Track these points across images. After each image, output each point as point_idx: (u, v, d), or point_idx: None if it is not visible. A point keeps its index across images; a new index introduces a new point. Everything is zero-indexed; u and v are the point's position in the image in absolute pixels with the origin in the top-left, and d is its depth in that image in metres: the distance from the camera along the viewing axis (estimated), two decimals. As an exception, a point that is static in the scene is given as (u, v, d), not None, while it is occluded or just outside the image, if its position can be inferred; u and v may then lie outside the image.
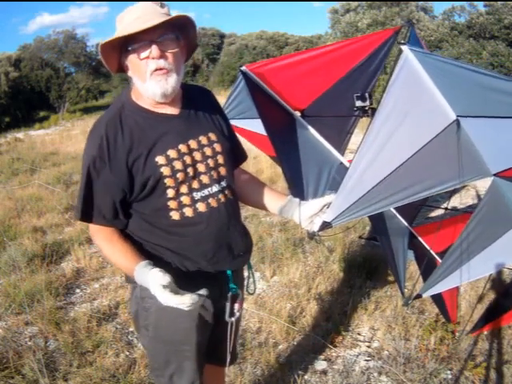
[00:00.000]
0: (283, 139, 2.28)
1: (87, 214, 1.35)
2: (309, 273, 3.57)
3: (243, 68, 2.28)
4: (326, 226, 1.61)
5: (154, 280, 1.23)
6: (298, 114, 2.47)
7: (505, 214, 2.04)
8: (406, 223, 2.76)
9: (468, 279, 2.18)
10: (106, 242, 1.39)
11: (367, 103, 2.41)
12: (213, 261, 1.43)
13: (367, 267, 3.54)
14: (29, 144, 12.44)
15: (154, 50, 1.25)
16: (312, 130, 2.43)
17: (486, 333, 2.70)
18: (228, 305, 1.49)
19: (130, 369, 2.55)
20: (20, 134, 15.34)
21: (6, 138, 14.35)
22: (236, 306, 1.51)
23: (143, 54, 1.26)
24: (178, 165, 1.34)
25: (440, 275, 2.10)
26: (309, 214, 1.57)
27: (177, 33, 1.31)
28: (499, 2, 16.43)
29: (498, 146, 1.93)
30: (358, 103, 2.42)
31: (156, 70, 1.27)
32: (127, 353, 2.74)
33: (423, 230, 2.92)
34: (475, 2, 18.58)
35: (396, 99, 1.80)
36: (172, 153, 1.34)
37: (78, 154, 9.45)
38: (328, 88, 2.47)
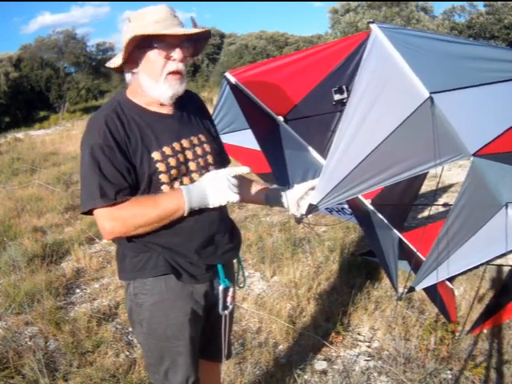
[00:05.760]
0: (269, 143, 2.30)
1: (106, 195, 1.30)
2: (309, 273, 3.57)
3: (227, 74, 2.31)
4: (312, 208, 1.65)
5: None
6: (281, 118, 2.49)
7: (486, 198, 2.04)
8: (395, 230, 2.80)
9: (458, 270, 2.19)
10: (128, 206, 1.31)
11: (345, 95, 2.42)
12: (204, 255, 1.47)
13: (367, 267, 3.54)
14: (29, 144, 12.45)
15: (179, 52, 1.35)
16: (295, 134, 2.45)
17: (485, 332, 2.70)
18: (221, 298, 1.54)
19: (130, 369, 2.55)
20: (20, 134, 15.35)
21: (6, 138, 14.35)
22: (228, 299, 1.56)
23: (168, 54, 1.34)
24: (172, 161, 1.39)
25: (429, 267, 2.10)
26: (295, 198, 1.64)
27: (191, 42, 1.40)
28: (499, 2, 16.45)
29: (474, 119, 1.92)
30: (337, 97, 2.44)
31: (173, 72, 1.36)
32: (127, 353, 2.74)
33: (412, 235, 2.96)
34: (475, 2, 18.61)
35: (368, 80, 1.81)
36: (167, 150, 1.39)
37: (77, 154, 9.42)
38: (310, 90, 2.51)
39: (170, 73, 1.36)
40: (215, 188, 1.33)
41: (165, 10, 1.35)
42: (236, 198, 1.33)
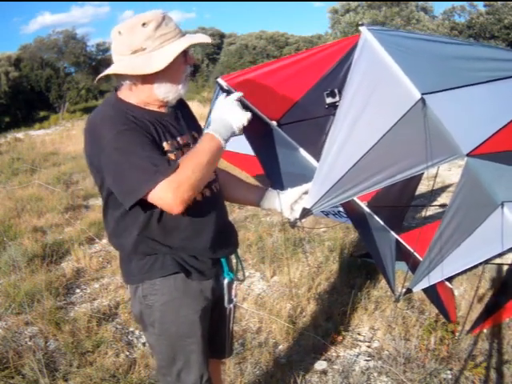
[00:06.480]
0: (263, 148, 2.31)
1: (160, 167, 1.26)
2: (309, 273, 3.57)
3: (219, 79, 2.32)
4: (306, 212, 1.66)
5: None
6: (274, 123, 2.49)
7: (482, 198, 2.03)
8: (391, 231, 2.79)
9: (455, 271, 2.18)
10: (181, 168, 1.28)
11: (337, 98, 2.42)
12: (212, 249, 1.49)
13: (367, 267, 3.54)
14: (29, 144, 12.44)
15: (192, 57, 1.43)
16: (289, 139, 2.45)
17: (485, 332, 2.70)
18: (226, 292, 1.56)
19: (130, 369, 2.55)
20: (20, 134, 15.34)
21: (6, 138, 14.34)
22: (233, 291, 1.59)
23: (186, 59, 1.41)
24: (179, 154, 1.40)
25: (426, 268, 2.10)
26: (289, 202, 1.67)
27: None
28: (499, 2, 16.46)
29: (467, 119, 1.92)
30: (329, 100, 2.44)
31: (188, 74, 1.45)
32: (127, 353, 2.74)
33: (409, 235, 2.95)
34: (475, 2, 18.62)
35: (358, 82, 1.80)
36: (174, 142, 1.42)
37: (77, 154, 9.45)
38: (303, 94, 2.51)
39: (187, 75, 1.43)
40: (231, 113, 1.40)
41: (159, 16, 1.34)
42: (249, 114, 1.42)
